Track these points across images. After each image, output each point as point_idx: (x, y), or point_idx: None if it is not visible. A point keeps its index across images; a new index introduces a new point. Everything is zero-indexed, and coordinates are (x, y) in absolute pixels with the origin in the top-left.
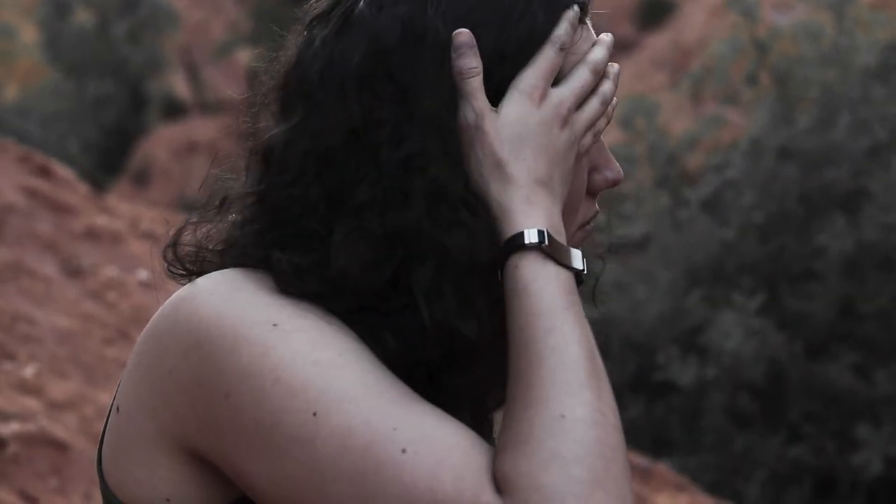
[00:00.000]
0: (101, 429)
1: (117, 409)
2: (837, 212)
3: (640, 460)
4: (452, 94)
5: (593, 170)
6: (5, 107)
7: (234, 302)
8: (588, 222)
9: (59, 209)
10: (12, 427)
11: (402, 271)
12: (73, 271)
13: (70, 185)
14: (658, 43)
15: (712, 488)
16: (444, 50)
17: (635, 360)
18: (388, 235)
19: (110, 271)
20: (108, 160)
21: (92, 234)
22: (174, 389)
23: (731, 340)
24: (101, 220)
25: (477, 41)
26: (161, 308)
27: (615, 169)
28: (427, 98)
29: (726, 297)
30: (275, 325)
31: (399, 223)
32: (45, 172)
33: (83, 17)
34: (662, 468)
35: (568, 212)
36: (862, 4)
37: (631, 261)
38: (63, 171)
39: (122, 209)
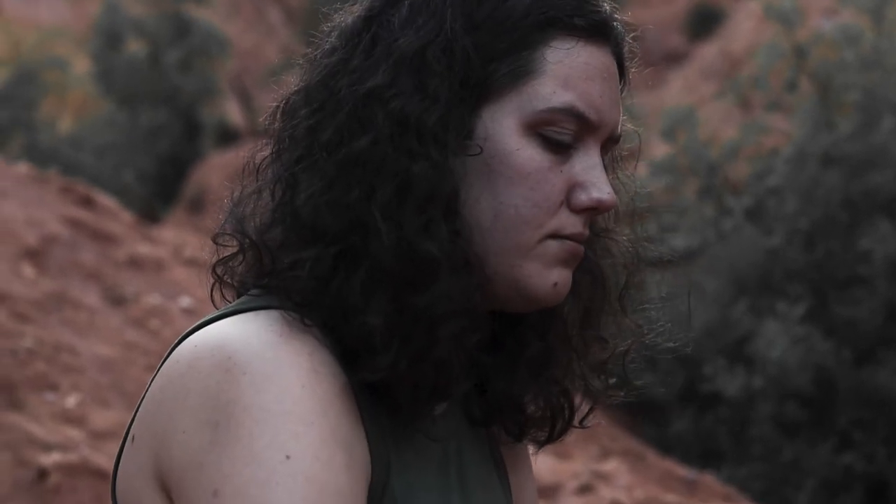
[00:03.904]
0: (117, 455)
1: (132, 438)
2: (882, 216)
3: (686, 472)
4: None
5: (578, 186)
6: (60, 139)
7: (263, 398)
8: (568, 236)
9: (102, 238)
10: (53, 457)
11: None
12: (116, 300)
13: (113, 213)
14: (708, 52)
15: (762, 498)
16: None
17: (682, 373)
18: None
19: (153, 299)
20: (164, 189)
21: (135, 263)
22: (177, 448)
23: (776, 349)
24: (143, 248)
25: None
26: (195, 349)
27: (602, 190)
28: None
29: (772, 306)
30: (288, 457)
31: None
32: (87, 202)
33: (135, 47)
34: (708, 479)
35: (520, 223)
36: None
37: (676, 272)
38: (105, 200)
39: (166, 236)
